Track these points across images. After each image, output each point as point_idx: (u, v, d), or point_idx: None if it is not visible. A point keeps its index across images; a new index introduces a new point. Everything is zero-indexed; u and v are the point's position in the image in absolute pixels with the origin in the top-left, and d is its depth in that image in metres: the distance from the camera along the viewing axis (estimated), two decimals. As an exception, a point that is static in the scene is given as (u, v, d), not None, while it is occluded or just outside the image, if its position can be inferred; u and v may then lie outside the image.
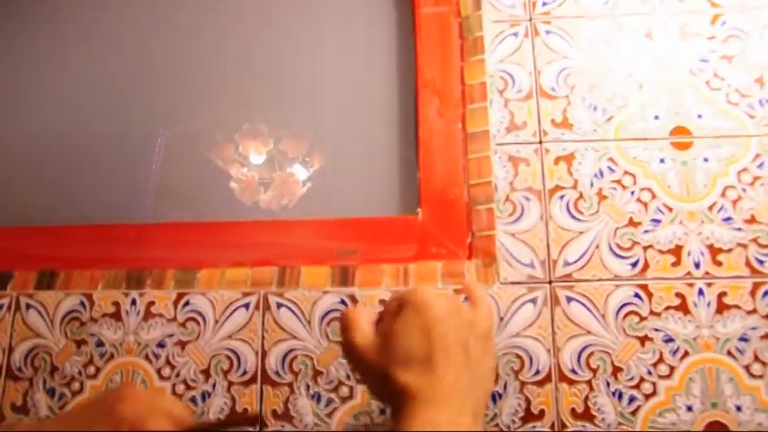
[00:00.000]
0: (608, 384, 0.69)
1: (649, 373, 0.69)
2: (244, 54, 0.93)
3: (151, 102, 0.92)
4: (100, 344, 0.74)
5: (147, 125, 0.91)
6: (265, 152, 0.88)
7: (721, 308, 0.70)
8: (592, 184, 0.76)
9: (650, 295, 0.71)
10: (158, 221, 0.82)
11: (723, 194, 0.75)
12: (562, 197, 0.75)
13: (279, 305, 0.73)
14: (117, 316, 0.75)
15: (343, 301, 0.73)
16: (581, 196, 0.75)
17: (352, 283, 0.73)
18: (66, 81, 0.95)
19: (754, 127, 0.78)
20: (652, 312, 0.70)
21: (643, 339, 0.70)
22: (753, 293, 0.71)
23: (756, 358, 0.69)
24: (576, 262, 0.73)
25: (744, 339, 0.69)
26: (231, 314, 0.74)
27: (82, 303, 0.76)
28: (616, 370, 0.69)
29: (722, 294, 0.71)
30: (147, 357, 0.74)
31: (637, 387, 0.68)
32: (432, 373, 0.46)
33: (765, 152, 0.76)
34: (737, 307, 0.70)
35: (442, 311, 0.49)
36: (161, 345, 0.74)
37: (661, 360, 0.69)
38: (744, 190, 0.75)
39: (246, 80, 0.92)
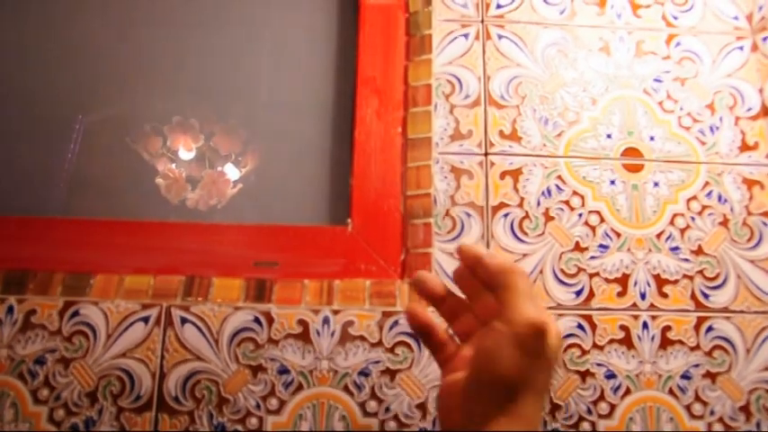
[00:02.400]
0: (545, 423, 0.64)
1: (589, 411, 0.65)
2: (177, 42, 0.85)
3: (73, 84, 0.82)
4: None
5: (66, 109, 0.81)
6: (195, 148, 0.80)
7: (665, 343, 0.68)
8: (539, 203, 0.72)
9: (594, 327, 0.68)
10: (46, 215, 0.72)
11: (672, 222, 0.72)
12: (506, 215, 0.71)
13: (183, 320, 0.65)
14: (-13, 325, 0.65)
15: (257, 320, 0.65)
16: (527, 215, 0.71)
17: (269, 300, 0.66)
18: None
19: (705, 154, 0.76)
20: (595, 345, 0.67)
21: (584, 374, 0.66)
22: (697, 328, 0.68)
23: (697, 398, 0.66)
24: (517, 284, 0.68)
25: (686, 377, 0.67)
26: (127, 328, 0.65)
27: (-55, 308, 0.66)
28: (554, 408, 0.64)
29: (666, 328, 0.68)
30: (20, 376, 0.64)
31: (575, 426, 0.64)
32: None
33: (714, 181, 0.74)
34: (681, 342, 0.68)
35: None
36: (40, 361, 0.64)
37: (602, 398, 0.65)
38: (692, 219, 0.72)
39: (179, 69, 0.84)
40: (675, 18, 0.82)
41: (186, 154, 0.82)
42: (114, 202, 0.78)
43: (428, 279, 0.49)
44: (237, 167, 0.80)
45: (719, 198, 0.74)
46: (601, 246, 0.71)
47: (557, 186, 0.73)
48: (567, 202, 0.72)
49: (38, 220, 0.71)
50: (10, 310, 0.66)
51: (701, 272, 0.71)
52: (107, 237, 0.70)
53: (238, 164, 0.80)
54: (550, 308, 0.68)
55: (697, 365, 0.67)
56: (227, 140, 0.81)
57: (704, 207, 0.74)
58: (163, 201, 0.78)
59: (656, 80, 0.79)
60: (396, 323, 0.66)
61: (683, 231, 0.72)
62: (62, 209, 0.77)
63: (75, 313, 0.66)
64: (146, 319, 0.66)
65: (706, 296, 0.70)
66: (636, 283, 0.70)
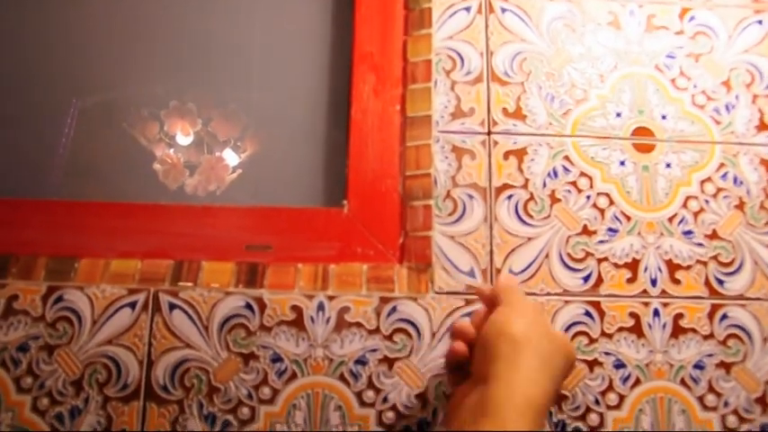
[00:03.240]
0: (551, 414, 0.62)
1: (597, 402, 0.62)
2: (172, 23, 0.83)
3: (68, 67, 0.80)
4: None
5: (61, 92, 0.79)
6: (193, 133, 0.78)
7: (677, 331, 0.65)
8: (544, 185, 0.69)
9: (602, 314, 0.65)
10: (25, 197, 0.70)
11: (685, 205, 0.70)
12: (510, 197, 0.68)
13: (172, 306, 0.63)
14: (-32, 311, 0.63)
15: (248, 305, 0.63)
16: (531, 197, 0.69)
17: (261, 285, 0.64)
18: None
19: (719, 134, 0.73)
20: (603, 333, 0.65)
21: (592, 364, 0.64)
22: (710, 316, 0.66)
23: (711, 389, 0.64)
24: (522, 272, 0.66)
25: (699, 367, 0.64)
26: (113, 314, 0.63)
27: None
28: (561, 398, 0.62)
29: (678, 316, 0.66)
30: (3, 364, 0.62)
31: (582, 418, 0.62)
32: None
33: (729, 162, 0.72)
34: (694, 331, 0.65)
35: None
36: (23, 348, 0.62)
37: (610, 388, 0.63)
38: (706, 201, 0.70)
39: (174, 52, 0.81)
40: (689, -9, 0.79)
41: (184, 139, 0.80)
42: (111, 187, 0.77)
43: (465, 327, 0.54)
44: (236, 153, 0.78)
45: (735, 180, 0.72)
46: (610, 229, 0.69)
47: (563, 167, 0.70)
48: (574, 184, 0.70)
49: (21, 203, 0.69)
50: (-9, 295, 0.64)
51: (715, 257, 0.69)
52: (93, 220, 0.68)
53: (237, 149, 0.78)
54: (556, 294, 0.66)
55: (710, 355, 0.65)
56: (225, 125, 0.79)
57: (719, 189, 0.71)
58: (161, 186, 0.76)
59: (669, 56, 0.76)
60: (394, 309, 0.64)
61: (696, 215, 0.70)
62: (56, 194, 0.75)
63: (60, 299, 0.64)
64: (132, 305, 0.64)
65: (721, 282, 0.68)
66: (646, 269, 0.68)
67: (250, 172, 0.77)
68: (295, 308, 0.64)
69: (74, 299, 0.64)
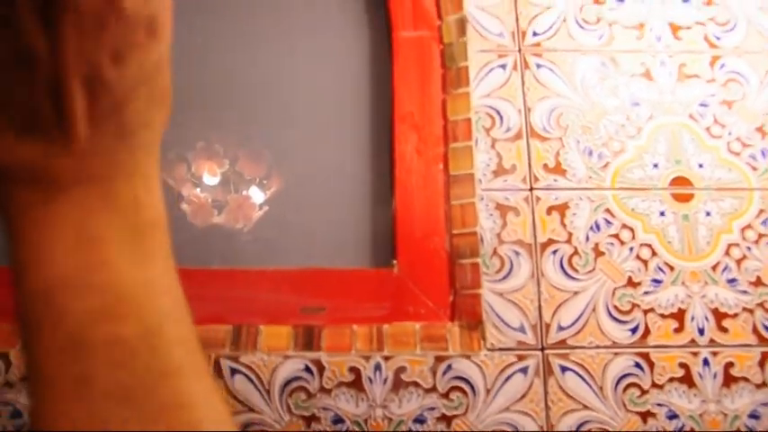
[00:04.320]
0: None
1: (652, 455, 0.65)
2: (208, 69, 0.87)
3: None
4: (17, 414, 0.65)
5: None
6: (220, 173, 0.82)
7: (728, 380, 0.67)
8: (587, 238, 0.72)
9: (651, 365, 0.68)
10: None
11: (727, 253, 0.72)
12: (555, 252, 0.71)
13: (233, 371, 0.66)
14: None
15: (307, 368, 0.66)
16: (576, 251, 0.72)
17: (318, 347, 0.67)
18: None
19: (757, 180, 0.76)
20: (654, 384, 0.67)
21: (645, 415, 0.66)
22: (761, 364, 0.68)
23: (764, 436, 0.66)
24: (570, 326, 0.69)
25: (754, 417, 0.67)
26: (173, 382, 0.66)
27: (-10, 365, 0.67)
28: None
29: (729, 365, 0.68)
30: None
31: (639, 472, 0.64)
32: None
33: (769, 207, 0.74)
34: (746, 379, 0.68)
35: None
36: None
37: (665, 440, 0.65)
38: (748, 248, 0.73)
39: (212, 96, 0.85)
40: (718, 38, 0.82)
41: (211, 179, 0.83)
42: None
43: None
44: (262, 190, 0.81)
45: (775, 225, 0.74)
46: (654, 280, 0.71)
47: (605, 220, 0.73)
48: (616, 236, 0.73)
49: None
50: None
51: (761, 304, 0.71)
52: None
53: (263, 186, 0.81)
54: (605, 347, 0.68)
55: (766, 404, 0.67)
56: (252, 165, 0.83)
57: (760, 236, 0.74)
58: (189, 226, 0.79)
59: (702, 104, 0.79)
60: (449, 367, 0.67)
61: (739, 262, 0.72)
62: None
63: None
64: (193, 372, 0.67)
65: None
66: (693, 318, 0.70)
67: (278, 211, 0.79)
68: (353, 369, 0.67)
69: (135, 367, 0.67)
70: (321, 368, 0.67)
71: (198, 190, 0.82)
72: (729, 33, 0.83)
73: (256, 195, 0.81)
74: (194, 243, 0.77)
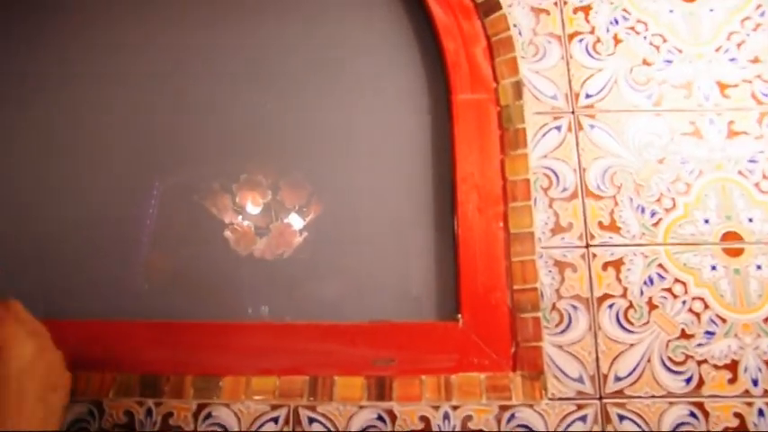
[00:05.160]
0: None
1: (710, 503, 0.69)
2: (271, 128, 0.94)
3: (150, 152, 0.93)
4: None
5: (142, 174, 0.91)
6: (263, 203, 0.89)
7: (782, 431, 0.71)
8: (642, 293, 0.77)
9: (707, 415, 0.72)
10: (174, 319, 0.81)
11: (781, 309, 0.77)
12: (611, 306, 0.77)
13: (311, 420, 0.73)
14: (131, 427, 0.74)
15: (380, 417, 0.72)
16: (631, 305, 0.77)
17: (390, 397, 0.73)
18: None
19: (807, 233, 0.80)
20: (710, 435, 0.71)
21: (701, 465, 0.70)
22: (813, 415, 0.72)
23: (819, 485, 0.70)
24: (627, 377, 0.74)
25: (807, 466, 0.70)
26: (258, 429, 0.73)
27: (90, 412, 0.75)
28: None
29: (782, 416, 0.72)
30: (163, 476, 0.72)
31: None
32: None
33: (819, 260, 0.78)
34: (799, 430, 0.71)
35: None
36: (179, 461, 0.73)
37: (722, 489, 0.70)
38: (801, 297, 0.77)
39: (274, 152, 0.93)
40: (765, 95, 0.87)
41: (254, 209, 0.90)
42: (184, 256, 0.87)
43: None
44: (302, 217, 0.88)
45: (824, 278, 0.78)
46: (707, 332, 0.76)
47: (658, 275, 0.78)
48: (669, 290, 0.78)
49: (165, 325, 0.80)
50: (149, 412, 0.75)
51: (812, 355, 0.75)
52: (231, 339, 0.79)
53: (303, 213, 0.88)
54: (661, 396, 0.73)
55: (816, 453, 0.71)
56: (292, 193, 0.89)
57: (811, 290, 0.78)
58: (233, 253, 0.86)
59: (751, 161, 0.84)
60: (512, 416, 0.72)
61: (793, 313, 0.77)
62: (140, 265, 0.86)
63: (209, 415, 0.74)
64: (275, 420, 0.74)
65: (818, 379, 0.74)
66: (746, 370, 0.74)
67: (353, 286, 0.86)
68: (423, 418, 0.73)
69: (222, 415, 0.74)
70: (393, 417, 0.73)
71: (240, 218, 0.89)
72: (776, 90, 0.88)
73: (328, 252, 0.88)
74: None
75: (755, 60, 0.89)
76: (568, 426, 0.73)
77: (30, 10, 1.01)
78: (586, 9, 0.93)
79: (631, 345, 0.76)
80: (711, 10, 0.92)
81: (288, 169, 0.91)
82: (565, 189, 0.82)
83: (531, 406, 0.73)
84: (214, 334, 0.79)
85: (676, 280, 0.79)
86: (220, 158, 0.93)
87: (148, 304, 0.86)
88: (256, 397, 0.75)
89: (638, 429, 0.73)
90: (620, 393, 0.74)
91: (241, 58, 0.97)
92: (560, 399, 0.74)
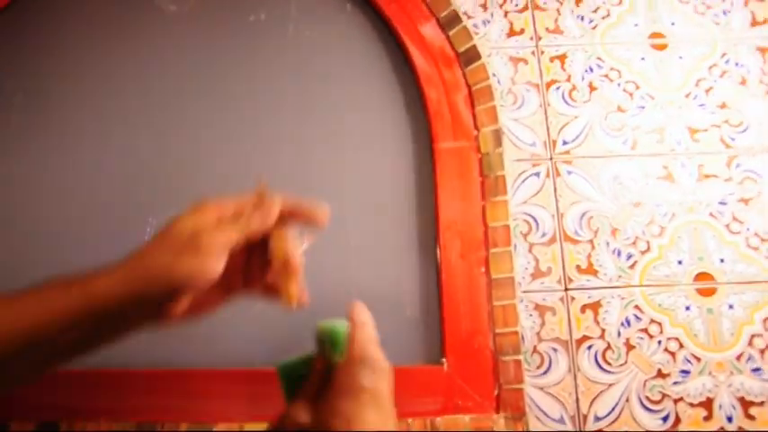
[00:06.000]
0: None
1: None
2: (255, 171, 0.97)
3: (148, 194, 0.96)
4: None
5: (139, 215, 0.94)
6: None
7: (755, 467, 0.74)
8: (619, 334, 0.81)
9: (683, 453, 0.75)
10: (168, 367, 0.84)
11: (750, 343, 0.80)
12: (590, 347, 0.80)
13: (302, 465, 0.75)
14: (127, 475, 0.76)
15: (369, 461, 0.75)
16: (609, 346, 0.80)
17: (379, 441, 0.76)
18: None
19: (776, 272, 0.84)
20: (686, 473, 0.74)
21: (679, 502, 0.73)
22: (785, 451, 0.75)
23: None
24: (606, 416, 0.77)
25: (780, 502, 0.73)
26: (251, 474, 0.75)
27: (88, 459, 0.77)
28: None
29: (755, 452, 0.75)
30: None
31: None
32: None
33: (788, 299, 0.82)
34: (771, 466, 0.74)
35: None
36: (174, 507, 0.75)
37: None
38: (770, 339, 0.80)
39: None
40: (733, 139, 0.91)
41: None
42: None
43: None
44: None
45: (794, 316, 0.82)
46: (682, 371, 0.79)
47: (635, 316, 0.82)
48: (645, 331, 0.81)
49: (158, 372, 0.83)
50: (145, 459, 0.77)
51: (783, 392, 0.78)
52: (223, 385, 0.81)
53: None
54: (640, 436, 0.76)
55: (788, 488, 0.74)
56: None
57: (780, 326, 0.81)
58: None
59: (721, 203, 0.88)
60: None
61: (762, 352, 0.80)
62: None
63: (204, 460, 0.77)
64: (268, 465, 0.76)
65: (791, 415, 0.77)
66: (721, 407, 0.78)
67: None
68: None
69: (216, 460, 0.77)
70: (382, 460, 0.76)
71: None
72: (743, 134, 0.92)
73: (314, 300, 0.90)
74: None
75: (723, 106, 0.93)
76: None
77: (19, 51, 1.05)
78: (562, 57, 0.97)
79: (610, 385, 0.79)
80: (681, 57, 0.96)
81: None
82: (544, 234, 0.86)
83: (514, 447, 0.76)
84: (207, 380, 0.82)
85: (652, 321, 0.82)
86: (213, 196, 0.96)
87: (141, 352, 0.88)
88: (249, 443, 0.77)
89: (617, 468, 0.75)
90: (599, 433, 0.77)
91: (235, 105, 1.01)
92: (542, 439, 0.77)
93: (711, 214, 0.87)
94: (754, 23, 0.97)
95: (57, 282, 0.53)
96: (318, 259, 0.93)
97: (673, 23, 0.99)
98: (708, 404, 0.78)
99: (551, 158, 0.90)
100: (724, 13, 0.98)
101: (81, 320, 0.51)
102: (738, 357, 0.80)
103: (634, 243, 0.86)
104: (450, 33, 1.00)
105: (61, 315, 0.52)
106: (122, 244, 0.92)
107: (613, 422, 0.77)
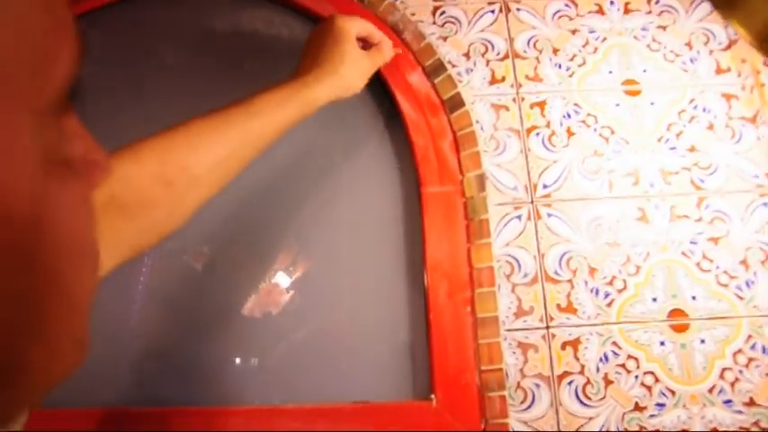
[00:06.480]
0: None
1: None
2: (253, 219, 1.02)
3: None
4: None
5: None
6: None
7: (728, 495, 0.79)
8: (598, 369, 0.85)
9: (660, 483, 0.79)
10: (165, 405, 0.87)
11: (721, 376, 0.85)
12: (570, 383, 0.84)
13: (299, 500, 0.79)
14: None
15: (363, 495, 0.79)
16: (588, 381, 0.85)
17: (371, 476, 0.80)
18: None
19: (744, 308, 0.89)
20: (663, 502, 0.79)
21: None
22: (756, 479, 0.80)
23: None
24: (587, 449, 0.81)
25: None
26: None
27: (94, 498, 0.81)
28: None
29: (727, 481, 0.79)
30: None
31: None
32: None
33: (756, 333, 0.87)
34: (743, 494, 0.79)
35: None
36: None
37: None
38: (740, 372, 0.85)
39: (255, 242, 1.00)
40: (702, 181, 0.97)
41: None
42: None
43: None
44: (288, 276, 0.95)
45: (764, 349, 0.87)
46: (658, 404, 0.84)
47: (613, 352, 0.86)
48: (623, 366, 0.86)
49: (156, 412, 0.87)
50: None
51: (756, 422, 0.83)
52: (221, 425, 0.85)
53: (289, 273, 0.95)
54: (619, 467, 0.81)
55: None
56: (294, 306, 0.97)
57: (750, 359, 0.86)
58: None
59: (692, 242, 0.93)
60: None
61: (733, 384, 0.85)
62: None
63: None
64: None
65: (761, 445, 0.82)
66: (695, 438, 0.82)
67: (333, 369, 0.93)
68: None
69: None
70: (375, 495, 0.80)
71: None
72: (712, 176, 0.98)
73: (300, 337, 0.95)
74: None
75: (692, 149, 0.99)
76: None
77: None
78: (542, 104, 1.03)
79: (590, 418, 0.84)
80: (652, 103, 1.02)
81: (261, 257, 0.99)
82: (526, 275, 0.91)
83: (500, 479, 0.80)
84: (205, 419, 0.86)
85: (629, 356, 0.87)
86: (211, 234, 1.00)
87: (138, 390, 0.92)
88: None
89: (598, 498, 0.80)
90: (581, 464, 0.81)
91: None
92: (527, 471, 0.81)
93: (683, 253, 0.93)
94: (719, 71, 1.03)
95: (268, 98, 0.73)
96: (310, 298, 0.98)
97: (644, 71, 1.05)
98: (683, 436, 0.83)
99: (532, 202, 0.95)
100: (691, 61, 1.04)
101: (290, 127, 0.74)
102: (710, 390, 0.85)
103: (611, 282, 0.91)
104: (436, 81, 1.06)
105: (279, 127, 0.72)
106: (119, 277, 0.97)
107: (594, 454, 0.82)
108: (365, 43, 0.90)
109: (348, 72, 0.81)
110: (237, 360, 0.93)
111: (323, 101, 0.78)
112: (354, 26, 0.84)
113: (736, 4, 0.70)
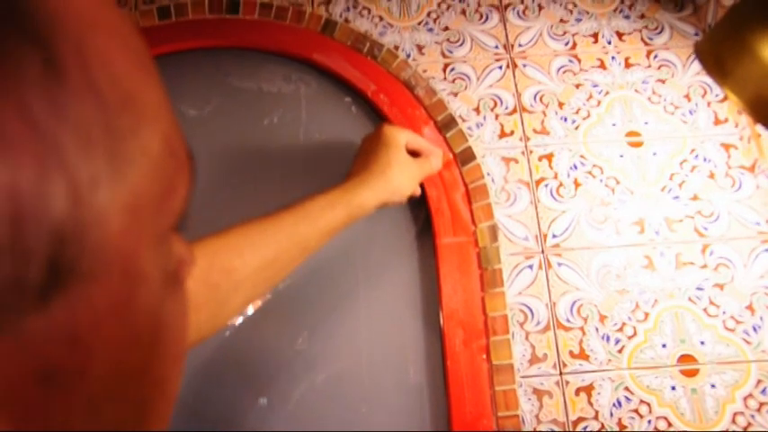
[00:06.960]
0: None
1: None
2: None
3: None
4: None
5: None
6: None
7: None
8: (611, 414, 0.88)
9: None
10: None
11: (733, 421, 0.87)
12: (585, 428, 0.87)
13: None
14: None
15: None
16: (602, 426, 0.87)
17: None
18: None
19: (752, 353, 0.91)
20: None
21: None
22: None
23: None
24: (603, 494, 0.83)
25: None
26: None
27: None
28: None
29: None
30: None
31: None
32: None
33: (766, 378, 0.90)
34: None
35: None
36: None
37: None
38: (752, 416, 0.87)
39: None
40: (706, 229, 1.00)
41: None
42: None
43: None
44: (327, 377, 0.98)
45: (772, 393, 0.89)
46: (671, 449, 0.86)
47: (625, 397, 0.89)
48: (636, 411, 0.88)
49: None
50: None
51: (766, 466, 0.85)
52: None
53: (328, 371, 0.98)
54: None
55: None
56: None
57: (761, 404, 0.89)
58: None
59: (698, 288, 0.96)
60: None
61: (745, 429, 0.87)
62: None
63: None
64: None
65: (773, 488, 0.84)
66: (708, 482, 0.84)
67: (354, 417, 0.96)
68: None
69: None
70: None
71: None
72: (714, 224, 1.01)
73: (319, 381, 0.98)
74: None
75: (695, 198, 1.03)
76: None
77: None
78: (549, 157, 1.07)
79: (605, 463, 0.86)
80: (655, 154, 1.07)
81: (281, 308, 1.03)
82: (538, 323, 0.94)
83: None
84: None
85: (641, 401, 0.89)
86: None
87: None
88: None
89: None
90: None
91: (248, 198, 1.11)
92: None
93: (690, 299, 0.96)
94: (717, 122, 1.07)
95: (316, 201, 0.76)
96: (329, 344, 1.01)
97: (646, 122, 1.09)
98: (696, 479, 0.85)
99: (543, 252, 0.99)
100: (690, 112, 1.09)
101: (338, 231, 0.78)
102: (722, 434, 0.87)
103: (621, 329, 0.94)
104: (448, 135, 1.11)
105: (327, 230, 0.75)
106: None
107: (610, 499, 0.84)
108: (415, 154, 0.94)
109: (396, 176, 0.83)
110: (256, 403, 0.95)
111: (371, 204, 0.80)
112: (403, 135, 0.88)
113: (728, 72, 0.75)
